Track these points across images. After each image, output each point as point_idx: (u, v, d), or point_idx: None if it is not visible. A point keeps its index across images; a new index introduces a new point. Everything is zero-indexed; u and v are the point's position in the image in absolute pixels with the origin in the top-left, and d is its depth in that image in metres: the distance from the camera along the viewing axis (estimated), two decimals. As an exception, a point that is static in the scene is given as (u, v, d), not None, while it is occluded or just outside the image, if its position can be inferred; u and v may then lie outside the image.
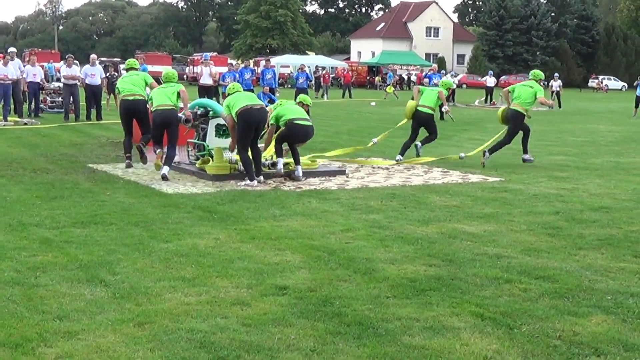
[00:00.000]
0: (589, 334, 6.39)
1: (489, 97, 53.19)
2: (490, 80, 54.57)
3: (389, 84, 60.13)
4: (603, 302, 7.26)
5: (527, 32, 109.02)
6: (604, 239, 10.04)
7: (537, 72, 18.84)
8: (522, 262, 8.66)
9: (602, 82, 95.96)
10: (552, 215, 11.63)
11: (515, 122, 17.88)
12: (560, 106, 47.53)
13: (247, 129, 14.02)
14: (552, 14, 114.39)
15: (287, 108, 15.18)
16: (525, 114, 17.84)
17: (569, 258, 8.98)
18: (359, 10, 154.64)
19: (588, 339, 6.26)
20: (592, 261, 8.86)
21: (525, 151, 18.08)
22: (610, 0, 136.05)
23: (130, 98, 15.86)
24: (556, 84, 49.90)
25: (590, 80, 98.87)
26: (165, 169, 14.49)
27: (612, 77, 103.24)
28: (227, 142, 15.35)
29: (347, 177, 15.20)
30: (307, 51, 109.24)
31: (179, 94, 14.99)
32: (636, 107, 41.34)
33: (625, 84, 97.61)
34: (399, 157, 17.98)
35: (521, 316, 6.78)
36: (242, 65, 37.36)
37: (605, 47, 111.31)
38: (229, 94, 14.53)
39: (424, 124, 18.75)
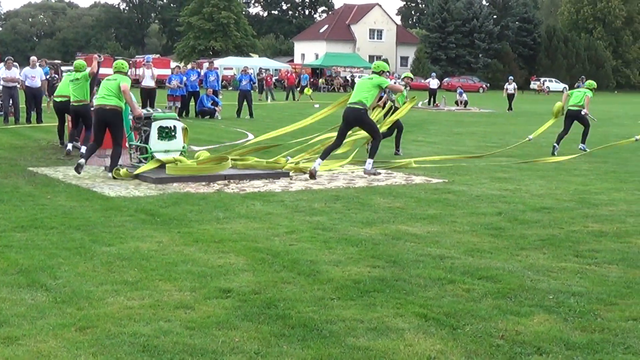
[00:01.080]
0: (531, 333, 6.46)
1: (432, 99, 53.58)
2: (433, 83, 55.01)
3: (305, 86, 59.31)
4: (545, 302, 7.34)
5: (469, 34, 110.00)
6: (546, 239, 10.16)
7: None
8: (465, 263, 8.74)
9: (543, 84, 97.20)
10: (495, 216, 11.74)
11: None
12: (511, 108, 48.18)
13: (97, 125, 15.23)
14: (494, 16, 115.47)
15: None
16: None
17: (512, 258, 9.07)
18: (302, 12, 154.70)
19: (530, 338, 6.33)
20: (534, 261, 8.96)
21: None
22: (551, 3, 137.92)
23: (58, 100, 18.82)
24: (511, 86, 50.53)
25: (531, 82, 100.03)
26: (70, 145, 18.18)
27: (553, 79, 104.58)
28: (169, 144, 15.30)
29: (291, 179, 15.20)
30: (250, 53, 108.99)
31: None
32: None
33: (567, 86, 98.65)
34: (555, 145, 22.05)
35: (464, 316, 6.83)
36: (189, 67, 37.29)
37: (546, 50, 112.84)
38: (114, 72, 15.39)
39: (576, 120, 22.77)
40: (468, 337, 6.33)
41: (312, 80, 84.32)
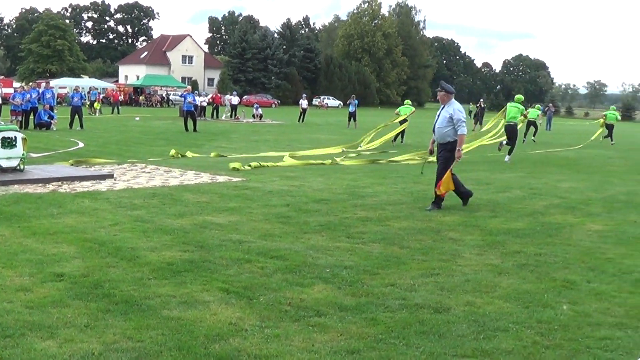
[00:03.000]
0: (312, 299, 6.56)
1: (233, 112, 53.53)
2: (234, 99, 54.92)
3: (94, 101, 56.49)
4: (323, 274, 7.48)
5: (264, 60, 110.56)
6: (324, 224, 10.34)
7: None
8: (260, 245, 8.77)
9: (323, 101, 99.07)
10: (284, 207, 11.84)
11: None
12: (303, 120, 48.88)
13: None
14: (284, 46, 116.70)
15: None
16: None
17: (297, 241, 9.19)
18: (126, 40, 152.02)
19: (312, 304, 6.43)
20: (315, 242, 9.10)
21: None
22: (329, 36, 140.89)
23: None
24: (304, 102, 51.35)
25: (314, 100, 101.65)
26: None
27: (331, 97, 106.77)
28: (11, 152, 14.67)
29: (115, 180, 14.83)
30: (81, 75, 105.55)
31: None
32: (349, 120, 43.19)
33: (341, 102, 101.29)
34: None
35: (259, 289, 6.86)
36: (32, 87, 35.92)
37: (325, 73, 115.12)
38: None
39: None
40: (262, 305, 6.36)
41: (134, 97, 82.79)
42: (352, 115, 43.58)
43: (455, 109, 12.26)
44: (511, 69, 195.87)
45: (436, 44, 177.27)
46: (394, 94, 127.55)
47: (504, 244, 9.48)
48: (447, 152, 12.28)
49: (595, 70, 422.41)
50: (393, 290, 7.00)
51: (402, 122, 30.26)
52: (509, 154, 22.90)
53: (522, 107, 23.66)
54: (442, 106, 12.48)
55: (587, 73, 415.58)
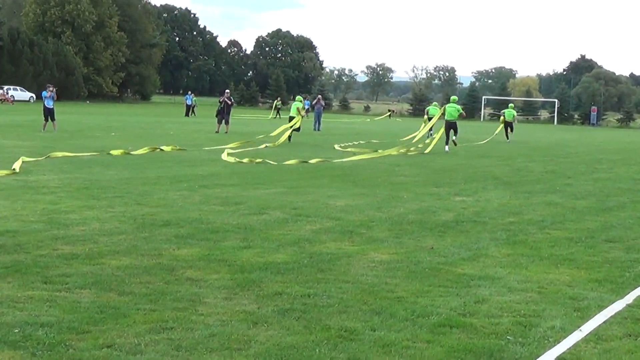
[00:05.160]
0: (-6, 374, 6.33)
1: None
2: None
3: None
4: (10, 337, 7.24)
5: None
6: (11, 266, 10.04)
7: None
8: None
9: (7, 93, 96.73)
10: (-48, 242, 11.40)
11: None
12: None
13: None
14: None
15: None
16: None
17: (-28, 290, 8.86)
18: None
19: (-9, 381, 6.19)
20: (-2, 292, 8.82)
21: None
22: (14, 3, 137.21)
23: None
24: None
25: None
26: None
27: (18, 88, 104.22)
28: None
29: None
30: None
31: None
32: (46, 120, 42.12)
33: (34, 95, 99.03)
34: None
35: None
36: None
37: (10, 54, 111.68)
38: None
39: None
40: None
41: None
42: (49, 113, 42.55)
43: None
44: (267, 49, 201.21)
45: (165, 15, 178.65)
46: (108, 83, 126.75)
47: (261, 283, 9.65)
48: None
49: (378, 52, 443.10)
50: (111, 353, 6.92)
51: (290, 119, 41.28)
52: (447, 144, 36.91)
53: (459, 106, 38.34)
54: None
55: (368, 55, 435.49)
